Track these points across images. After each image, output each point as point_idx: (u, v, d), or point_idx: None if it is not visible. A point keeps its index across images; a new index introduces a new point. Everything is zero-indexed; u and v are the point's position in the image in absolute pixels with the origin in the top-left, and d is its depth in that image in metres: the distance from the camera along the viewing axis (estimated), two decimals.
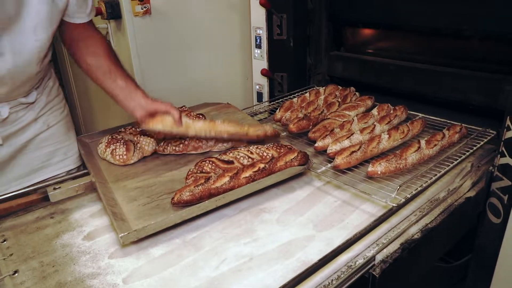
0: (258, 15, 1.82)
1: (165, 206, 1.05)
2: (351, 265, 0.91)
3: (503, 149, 1.17)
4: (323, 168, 1.22)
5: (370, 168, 1.14)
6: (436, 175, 1.13)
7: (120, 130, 1.37)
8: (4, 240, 1.00)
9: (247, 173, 1.07)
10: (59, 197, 1.11)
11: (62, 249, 0.96)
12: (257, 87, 2.01)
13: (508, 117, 1.13)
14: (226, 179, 1.05)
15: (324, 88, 1.76)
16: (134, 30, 1.82)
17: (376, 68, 1.73)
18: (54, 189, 1.11)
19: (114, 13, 1.78)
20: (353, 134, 1.31)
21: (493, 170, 1.22)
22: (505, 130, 1.15)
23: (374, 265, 0.95)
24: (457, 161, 1.20)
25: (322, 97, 1.67)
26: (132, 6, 1.76)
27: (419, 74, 1.58)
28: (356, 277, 0.91)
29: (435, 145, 1.24)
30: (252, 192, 1.10)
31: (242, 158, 1.19)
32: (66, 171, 1.42)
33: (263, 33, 1.84)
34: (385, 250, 0.97)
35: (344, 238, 0.95)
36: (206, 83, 2.16)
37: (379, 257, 0.95)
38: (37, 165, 1.35)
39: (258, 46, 1.90)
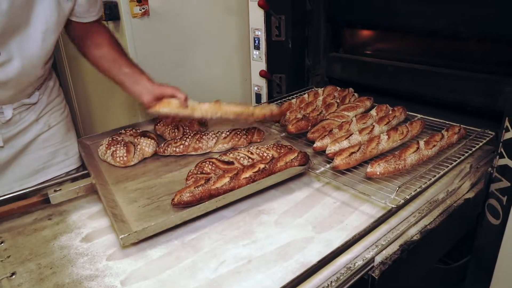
0: (257, 16, 1.82)
1: (165, 207, 1.05)
2: (350, 267, 0.91)
3: (502, 150, 1.17)
4: (322, 168, 1.22)
5: (369, 169, 1.14)
6: (435, 176, 1.13)
7: (120, 131, 1.37)
8: (1, 242, 0.99)
9: (247, 174, 1.07)
10: (59, 199, 1.11)
11: (60, 251, 0.95)
12: (256, 88, 2.00)
13: (507, 118, 1.14)
14: (226, 179, 1.05)
15: (322, 89, 1.76)
16: (132, 31, 1.81)
17: (374, 69, 1.73)
18: (55, 191, 1.10)
19: (112, 14, 1.78)
20: (352, 134, 1.31)
21: (492, 171, 1.22)
22: (504, 131, 1.15)
23: (373, 266, 0.95)
24: (456, 162, 1.20)
25: (320, 98, 1.67)
26: (130, 8, 1.76)
27: (417, 75, 1.58)
28: (355, 278, 0.91)
29: (434, 146, 1.24)
30: (251, 194, 1.10)
31: (242, 158, 1.19)
32: (67, 171, 1.42)
33: (261, 34, 1.84)
34: (384, 251, 0.97)
35: (343, 239, 0.94)
36: (205, 85, 2.15)
37: (378, 259, 0.95)
38: (38, 166, 1.35)
39: (257, 47, 1.90)
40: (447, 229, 1.16)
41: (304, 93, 1.77)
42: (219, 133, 1.34)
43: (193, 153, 1.32)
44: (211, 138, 1.33)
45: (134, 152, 1.27)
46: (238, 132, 1.34)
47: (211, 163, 1.16)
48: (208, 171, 1.14)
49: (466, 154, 1.24)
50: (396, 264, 0.96)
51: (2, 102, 1.19)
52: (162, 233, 0.97)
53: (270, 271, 0.87)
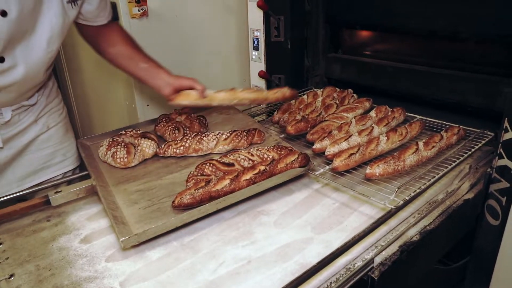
0: (256, 17, 1.82)
1: (165, 209, 1.04)
2: (350, 268, 0.91)
3: (501, 151, 1.17)
4: (321, 170, 1.22)
5: (368, 170, 1.14)
6: (434, 177, 1.13)
7: (120, 132, 1.37)
8: (0, 244, 0.99)
9: (247, 176, 1.07)
10: (60, 201, 1.10)
11: (59, 252, 0.95)
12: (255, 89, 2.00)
13: (506, 118, 1.14)
14: (226, 181, 1.05)
15: (321, 90, 1.76)
16: (131, 32, 1.80)
17: (373, 70, 1.74)
18: (55, 193, 1.10)
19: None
20: (351, 136, 1.31)
21: (491, 172, 1.22)
22: (503, 131, 1.15)
23: (373, 267, 0.95)
24: (455, 163, 1.20)
25: (320, 99, 1.67)
26: (129, 8, 1.76)
27: (417, 76, 1.59)
28: (355, 279, 0.91)
29: (433, 147, 1.24)
30: (251, 195, 1.09)
31: (242, 160, 1.18)
32: (65, 172, 1.42)
33: (260, 35, 1.84)
34: (383, 252, 0.97)
35: (342, 240, 0.94)
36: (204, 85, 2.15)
37: (378, 260, 0.95)
38: (37, 166, 1.36)
39: (256, 48, 1.89)
40: (446, 230, 1.16)
41: (303, 94, 1.77)
42: (220, 134, 1.34)
43: (193, 154, 1.32)
44: (211, 140, 1.32)
45: (135, 153, 1.27)
46: (239, 134, 1.34)
47: (211, 164, 1.15)
48: (209, 172, 1.14)
49: (466, 155, 1.24)
50: (396, 265, 0.96)
51: (2, 105, 1.19)
52: (161, 235, 0.97)
53: (270, 272, 0.87)
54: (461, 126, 1.37)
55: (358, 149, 1.21)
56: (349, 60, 1.86)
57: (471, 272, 1.38)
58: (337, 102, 1.61)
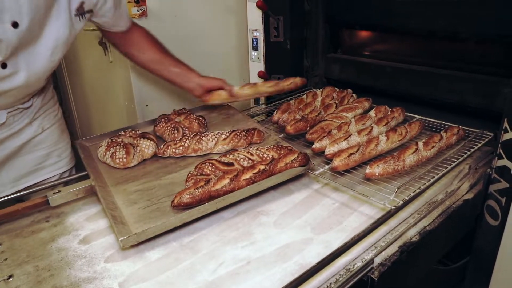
0: (255, 17, 1.82)
1: (165, 209, 1.04)
2: (349, 268, 0.91)
3: (501, 151, 1.16)
4: (321, 169, 1.22)
5: (368, 170, 1.14)
6: (434, 177, 1.13)
7: (119, 133, 1.37)
8: None
9: (247, 175, 1.07)
10: (59, 201, 1.10)
11: (58, 253, 0.95)
12: None
13: (506, 119, 1.13)
14: (226, 181, 1.04)
15: (321, 90, 1.76)
16: None
17: (373, 70, 1.73)
18: (54, 193, 1.09)
19: None
20: (350, 135, 1.31)
21: (490, 172, 1.22)
22: (502, 132, 1.15)
23: (372, 268, 0.94)
24: (455, 163, 1.20)
25: (319, 99, 1.67)
26: (128, 8, 1.75)
27: (416, 76, 1.59)
28: (354, 280, 0.91)
29: (433, 147, 1.24)
30: (250, 195, 1.09)
31: (242, 160, 1.18)
32: (60, 173, 1.42)
33: (260, 35, 1.84)
34: (383, 253, 0.97)
35: (342, 241, 0.94)
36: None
37: (377, 260, 0.95)
38: (31, 167, 1.35)
39: (255, 48, 1.89)
40: (446, 230, 1.16)
41: (303, 94, 1.77)
42: (219, 134, 1.34)
43: (192, 154, 1.32)
44: (210, 139, 1.32)
45: (134, 154, 1.26)
46: (238, 133, 1.34)
47: (211, 164, 1.15)
48: (208, 172, 1.13)
49: (465, 155, 1.24)
50: (396, 265, 0.96)
51: None
52: (160, 235, 0.97)
53: (269, 272, 0.86)
54: (460, 126, 1.37)
55: (358, 149, 1.21)
56: (348, 60, 1.86)
57: (470, 272, 1.38)
58: (336, 102, 1.61)
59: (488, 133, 1.34)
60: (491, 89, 1.36)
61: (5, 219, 1.05)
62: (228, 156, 1.20)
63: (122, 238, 0.89)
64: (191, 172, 1.15)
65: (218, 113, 1.64)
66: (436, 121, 1.48)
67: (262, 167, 1.09)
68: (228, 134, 1.34)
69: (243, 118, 1.57)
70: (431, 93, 1.55)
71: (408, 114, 1.53)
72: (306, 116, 1.48)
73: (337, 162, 1.18)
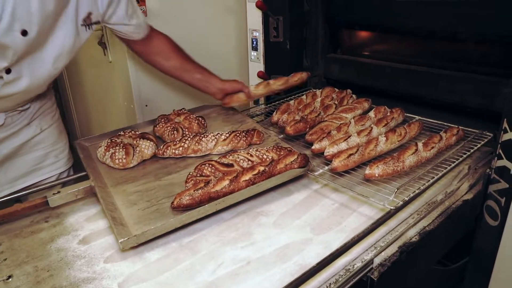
0: (255, 17, 1.82)
1: (164, 210, 1.04)
2: (349, 269, 0.91)
3: (500, 151, 1.17)
4: (321, 170, 1.22)
5: (367, 171, 1.14)
6: (433, 177, 1.13)
7: (119, 133, 1.37)
8: None
9: (247, 176, 1.07)
10: (58, 202, 1.10)
11: (57, 253, 0.95)
12: None
13: (505, 119, 1.14)
14: (225, 182, 1.04)
15: (320, 90, 1.76)
16: None
17: (372, 70, 1.73)
18: (54, 194, 1.09)
19: None
20: (350, 136, 1.31)
21: (490, 172, 1.22)
22: (502, 132, 1.15)
23: (372, 268, 0.94)
24: (455, 163, 1.20)
25: (318, 99, 1.67)
26: None
27: (415, 77, 1.58)
28: (354, 280, 0.91)
29: (432, 147, 1.24)
30: (250, 196, 1.09)
31: (242, 161, 1.18)
32: (57, 173, 1.42)
33: (259, 35, 1.84)
34: (383, 253, 0.97)
35: (342, 241, 0.94)
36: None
37: (377, 260, 0.95)
38: (29, 168, 1.35)
39: (255, 48, 1.89)
40: (445, 231, 1.16)
41: (302, 95, 1.77)
42: (219, 135, 1.34)
43: (192, 155, 1.32)
44: (210, 140, 1.32)
45: (133, 154, 1.26)
46: (238, 134, 1.34)
47: (210, 165, 1.15)
48: (208, 173, 1.13)
49: (465, 156, 1.24)
50: (395, 265, 0.96)
51: None
52: (160, 236, 0.96)
53: (269, 273, 0.86)
54: (460, 127, 1.37)
55: (357, 150, 1.21)
56: (348, 60, 1.86)
57: (470, 272, 1.38)
58: (336, 102, 1.61)
59: (488, 133, 1.34)
60: (491, 90, 1.36)
61: (5, 220, 1.05)
62: (227, 157, 1.20)
63: (122, 239, 0.89)
64: (190, 173, 1.15)
65: (218, 114, 1.64)
66: (435, 121, 1.48)
67: (261, 168, 1.09)
68: (227, 135, 1.34)
69: (243, 118, 1.58)
70: (430, 94, 1.55)
71: (408, 114, 1.53)
72: (305, 117, 1.48)
73: (336, 163, 1.18)
